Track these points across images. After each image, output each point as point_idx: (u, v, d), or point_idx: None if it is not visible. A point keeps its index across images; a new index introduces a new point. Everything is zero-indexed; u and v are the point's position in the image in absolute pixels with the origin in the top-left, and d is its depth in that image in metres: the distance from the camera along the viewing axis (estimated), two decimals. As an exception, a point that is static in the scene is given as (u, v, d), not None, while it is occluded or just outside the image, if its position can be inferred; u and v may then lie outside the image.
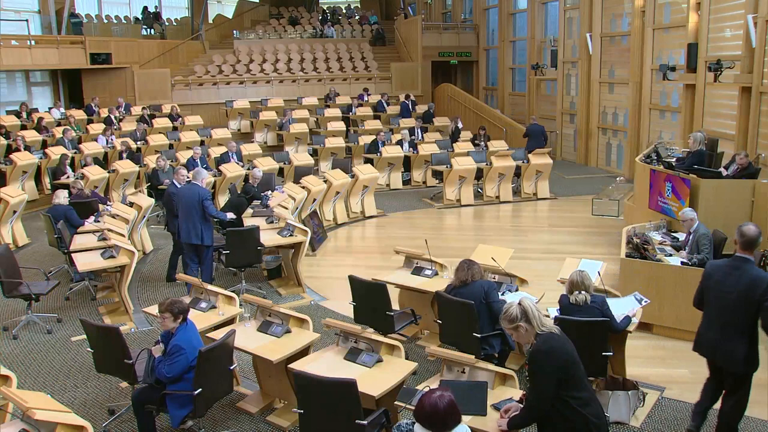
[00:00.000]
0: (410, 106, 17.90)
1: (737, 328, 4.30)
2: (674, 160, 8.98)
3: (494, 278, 6.13)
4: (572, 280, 4.96)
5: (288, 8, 26.34)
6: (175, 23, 23.45)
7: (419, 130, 15.64)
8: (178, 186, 7.79)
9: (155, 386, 4.48)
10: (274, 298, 7.65)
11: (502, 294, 5.80)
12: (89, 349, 4.96)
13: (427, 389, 4.09)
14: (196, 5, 23.09)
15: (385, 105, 18.22)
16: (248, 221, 8.49)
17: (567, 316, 4.86)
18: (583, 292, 4.89)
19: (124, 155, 12.50)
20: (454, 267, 6.34)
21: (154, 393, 4.46)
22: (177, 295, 7.01)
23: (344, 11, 26.78)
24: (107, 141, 13.75)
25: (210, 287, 5.78)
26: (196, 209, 7.36)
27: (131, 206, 9.12)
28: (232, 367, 4.86)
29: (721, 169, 8.20)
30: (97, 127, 14.82)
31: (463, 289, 5.29)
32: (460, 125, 16.03)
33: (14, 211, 9.71)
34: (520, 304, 3.48)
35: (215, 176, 11.49)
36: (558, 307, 5.09)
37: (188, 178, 7.98)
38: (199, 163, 11.60)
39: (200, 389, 4.37)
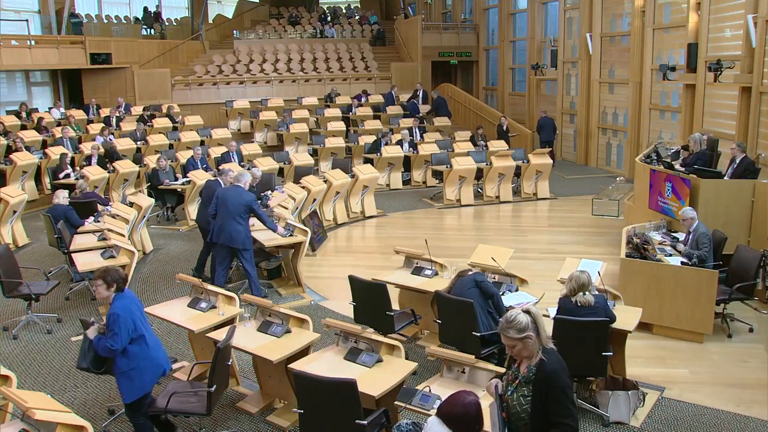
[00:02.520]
0: (417, 106, 17.90)
1: None
2: (679, 161, 8.97)
3: (494, 278, 6.13)
4: (580, 281, 4.91)
5: (288, 8, 26.33)
6: (175, 23, 23.45)
7: (417, 130, 15.60)
8: (223, 186, 7.73)
9: (93, 370, 4.36)
10: (274, 298, 7.64)
11: (502, 294, 5.80)
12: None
13: (427, 389, 4.11)
14: (196, 5, 23.10)
15: (394, 96, 18.20)
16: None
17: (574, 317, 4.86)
18: (587, 293, 4.89)
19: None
20: (454, 267, 6.39)
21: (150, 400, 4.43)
22: (178, 294, 7.02)
23: (344, 11, 26.78)
24: (105, 141, 13.74)
25: (210, 287, 5.78)
26: (241, 213, 7.20)
27: (131, 206, 9.12)
28: (229, 363, 4.91)
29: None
30: (97, 127, 14.82)
31: (453, 289, 5.42)
32: (505, 126, 15.80)
33: (14, 211, 9.71)
34: (529, 312, 3.11)
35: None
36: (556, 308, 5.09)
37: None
38: (199, 163, 11.61)
39: (215, 386, 4.38)
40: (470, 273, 5.52)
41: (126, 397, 4.35)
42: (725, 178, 8.02)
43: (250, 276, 7.35)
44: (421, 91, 18.56)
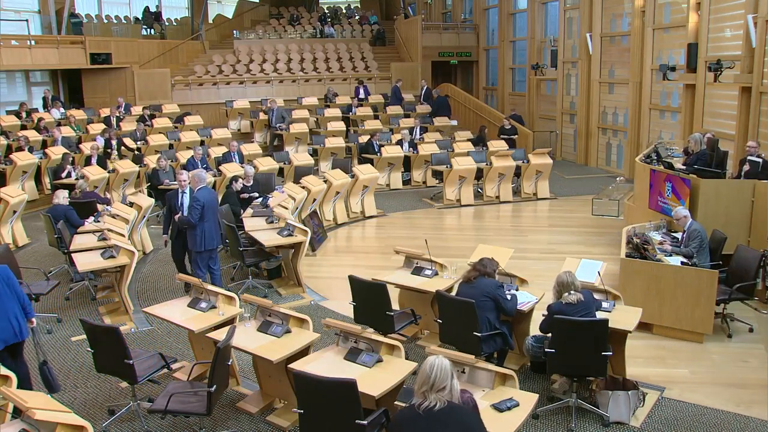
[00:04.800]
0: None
1: None
2: (680, 161, 8.97)
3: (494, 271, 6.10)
4: (562, 281, 5.01)
5: (288, 8, 26.34)
6: (175, 23, 23.46)
7: (418, 130, 15.62)
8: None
9: None
10: (274, 298, 7.65)
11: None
12: (89, 349, 4.96)
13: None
14: (196, 5, 23.10)
15: (399, 91, 18.24)
16: (248, 222, 8.49)
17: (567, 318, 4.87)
18: (572, 291, 4.93)
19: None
20: (454, 267, 6.38)
21: None
22: (178, 294, 7.01)
23: (344, 11, 26.79)
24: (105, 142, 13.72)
25: (210, 287, 5.78)
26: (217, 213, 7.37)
27: (131, 206, 9.12)
28: (229, 363, 4.92)
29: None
30: (97, 127, 14.81)
31: (467, 286, 5.30)
32: (508, 125, 15.73)
33: (14, 211, 9.71)
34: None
35: (215, 176, 11.49)
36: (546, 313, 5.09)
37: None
38: (199, 164, 11.61)
39: (215, 386, 4.37)
40: (488, 278, 5.30)
41: None
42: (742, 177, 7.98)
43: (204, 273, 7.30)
44: (425, 89, 18.62)
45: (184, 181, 7.54)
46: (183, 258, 7.91)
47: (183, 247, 7.73)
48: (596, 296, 5.43)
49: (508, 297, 5.42)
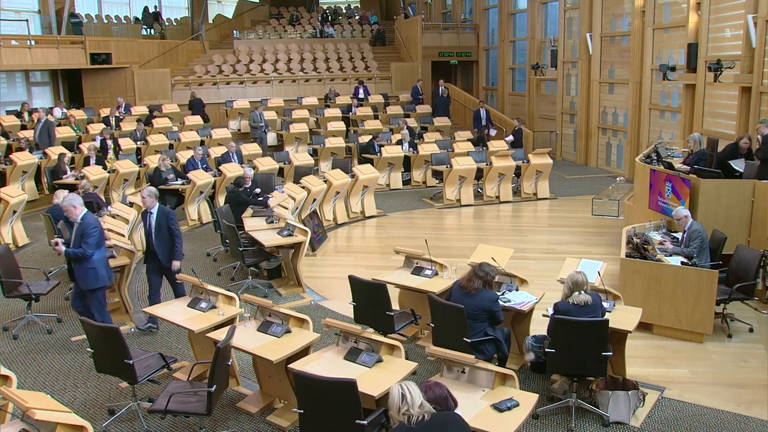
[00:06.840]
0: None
1: None
2: (681, 161, 8.96)
3: (494, 278, 6.11)
4: (576, 281, 4.95)
5: (288, 8, 26.35)
6: (175, 23, 23.47)
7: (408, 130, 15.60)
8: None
9: None
10: (274, 298, 7.65)
11: (502, 293, 5.80)
12: (89, 349, 4.96)
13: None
14: (196, 5, 23.11)
15: (420, 91, 18.31)
16: (248, 222, 8.50)
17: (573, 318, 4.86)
18: (582, 292, 4.92)
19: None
20: (455, 267, 6.38)
21: None
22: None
23: (344, 11, 26.79)
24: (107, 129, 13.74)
25: (210, 287, 5.78)
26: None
27: (131, 206, 9.11)
28: (229, 363, 4.92)
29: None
30: (97, 127, 14.81)
31: (466, 294, 5.23)
32: (516, 126, 15.68)
33: (14, 211, 9.71)
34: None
35: (215, 176, 11.49)
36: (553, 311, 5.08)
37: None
38: (199, 163, 11.61)
39: (215, 386, 4.37)
40: (487, 291, 5.24)
41: None
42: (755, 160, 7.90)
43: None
44: (438, 88, 18.67)
45: (147, 197, 6.60)
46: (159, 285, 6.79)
47: (159, 270, 6.73)
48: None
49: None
